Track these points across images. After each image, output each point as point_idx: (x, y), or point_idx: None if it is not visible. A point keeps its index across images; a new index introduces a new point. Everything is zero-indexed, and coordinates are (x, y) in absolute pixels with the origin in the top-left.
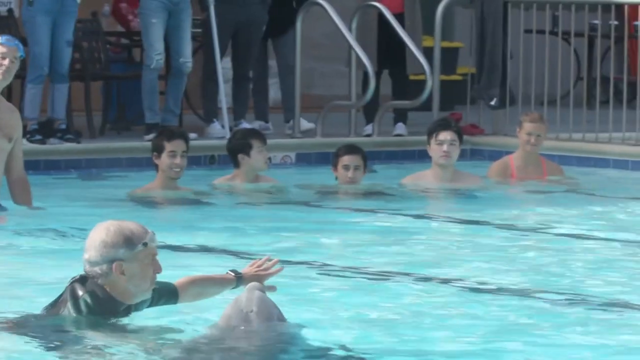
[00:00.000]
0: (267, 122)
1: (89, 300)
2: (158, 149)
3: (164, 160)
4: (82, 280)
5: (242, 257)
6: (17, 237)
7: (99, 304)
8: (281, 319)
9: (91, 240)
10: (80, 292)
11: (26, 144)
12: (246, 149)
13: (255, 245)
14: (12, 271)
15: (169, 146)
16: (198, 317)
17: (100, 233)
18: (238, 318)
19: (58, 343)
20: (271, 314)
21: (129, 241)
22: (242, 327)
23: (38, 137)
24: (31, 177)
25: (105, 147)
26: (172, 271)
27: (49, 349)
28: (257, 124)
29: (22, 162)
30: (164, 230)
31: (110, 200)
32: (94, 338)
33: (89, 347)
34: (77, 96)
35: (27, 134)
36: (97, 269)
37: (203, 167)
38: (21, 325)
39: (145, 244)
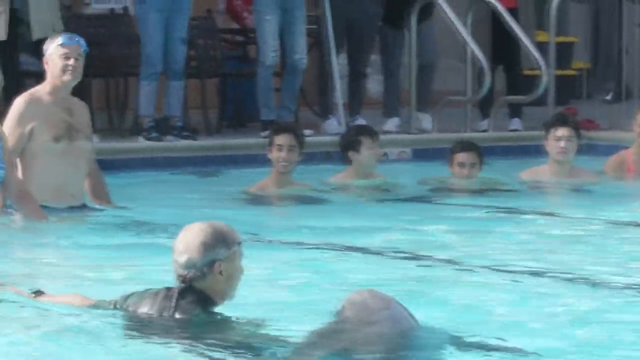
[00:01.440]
0: (398, 117)
1: (200, 314)
2: (269, 143)
3: (273, 154)
4: (182, 293)
5: (355, 253)
6: (121, 233)
7: (206, 309)
8: (405, 310)
9: (186, 242)
10: (189, 306)
11: (143, 141)
12: (356, 146)
13: (362, 240)
14: (125, 270)
15: (276, 140)
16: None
17: (197, 235)
18: (356, 307)
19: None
20: (387, 297)
21: (225, 241)
22: (363, 313)
23: (155, 134)
24: (148, 175)
25: (221, 144)
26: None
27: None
28: (390, 121)
29: (93, 156)
30: (272, 226)
31: (224, 197)
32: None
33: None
34: (193, 93)
35: (144, 131)
36: (195, 271)
37: (319, 163)
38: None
39: (239, 244)
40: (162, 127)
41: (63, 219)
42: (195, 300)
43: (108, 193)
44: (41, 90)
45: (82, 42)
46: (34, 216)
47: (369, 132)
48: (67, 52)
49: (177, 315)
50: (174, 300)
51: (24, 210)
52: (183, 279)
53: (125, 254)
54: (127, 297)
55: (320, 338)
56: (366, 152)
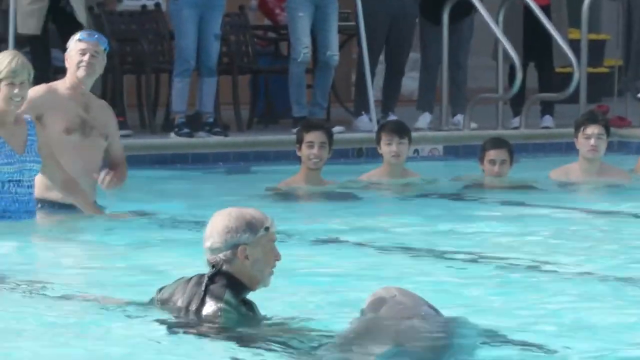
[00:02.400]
0: (430, 112)
1: (230, 298)
2: (299, 141)
3: (303, 151)
4: (212, 277)
5: (383, 250)
6: (148, 230)
7: (237, 293)
8: (431, 306)
9: (212, 227)
10: (219, 291)
11: (174, 137)
12: (379, 142)
13: (390, 237)
14: (154, 267)
15: (307, 137)
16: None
17: (222, 219)
18: (384, 303)
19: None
20: (415, 297)
21: (251, 226)
22: (393, 311)
23: (186, 130)
24: (179, 171)
25: (253, 141)
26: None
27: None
28: (422, 118)
29: (121, 153)
30: (301, 223)
31: (253, 194)
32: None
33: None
34: (225, 90)
35: (175, 127)
36: (220, 256)
37: (351, 160)
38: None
39: (267, 229)
40: (193, 124)
41: (90, 217)
42: (225, 284)
43: (120, 182)
44: (60, 83)
45: (103, 39)
46: (85, 209)
47: (387, 127)
48: (85, 47)
49: (207, 300)
50: (203, 285)
51: (73, 201)
52: (211, 263)
53: (153, 251)
54: (160, 289)
55: (366, 334)
56: (385, 148)
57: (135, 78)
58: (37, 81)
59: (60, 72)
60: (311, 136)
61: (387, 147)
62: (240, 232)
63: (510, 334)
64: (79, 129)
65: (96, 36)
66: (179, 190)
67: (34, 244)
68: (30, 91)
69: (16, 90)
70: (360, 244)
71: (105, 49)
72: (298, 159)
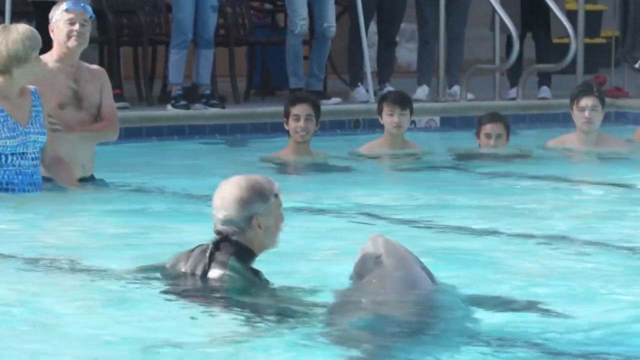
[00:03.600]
0: (429, 85)
1: (235, 263)
2: (286, 114)
3: (290, 124)
4: (216, 244)
5: (374, 220)
6: (146, 201)
7: (245, 261)
8: (423, 266)
9: (223, 198)
10: (224, 257)
11: (171, 110)
12: (380, 112)
13: (381, 208)
14: (152, 238)
15: (293, 110)
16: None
17: (233, 190)
18: (369, 268)
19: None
20: (402, 254)
21: (262, 195)
22: (377, 277)
23: (183, 102)
24: (176, 142)
25: (249, 112)
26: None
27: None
28: (420, 90)
29: (109, 110)
30: (292, 192)
31: (242, 165)
32: (245, 302)
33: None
34: (222, 62)
35: (172, 99)
36: (233, 227)
37: (348, 131)
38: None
39: (276, 195)
40: (190, 96)
41: (87, 190)
42: (231, 252)
43: (88, 129)
44: (47, 57)
45: (88, 8)
46: (68, 183)
47: (388, 98)
48: (72, 17)
49: (213, 267)
50: (208, 252)
51: (57, 176)
52: (221, 234)
53: (152, 223)
54: (169, 259)
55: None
56: (387, 119)
57: (132, 50)
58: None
59: None
60: (297, 109)
61: (389, 118)
62: (254, 202)
63: (502, 304)
64: (72, 102)
65: (82, 5)
66: (176, 163)
67: (31, 217)
68: None
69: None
70: (348, 214)
71: (90, 17)
72: (288, 133)
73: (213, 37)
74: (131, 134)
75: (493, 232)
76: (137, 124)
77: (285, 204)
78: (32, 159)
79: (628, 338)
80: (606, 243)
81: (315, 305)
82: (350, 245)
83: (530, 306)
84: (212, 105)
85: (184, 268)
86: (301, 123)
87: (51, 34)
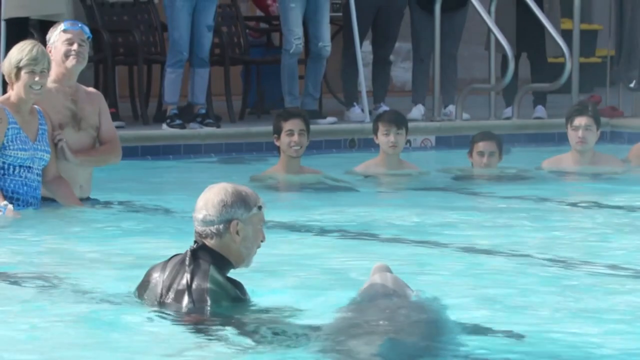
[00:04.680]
0: (424, 105)
1: (217, 275)
2: (277, 131)
3: (283, 140)
4: (194, 253)
5: (364, 240)
6: (142, 220)
7: (221, 269)
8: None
9: (206, 200)
10: (205, 266)
11: (166, 129)
12: (375, 132)
13: (375, 225)
14: (147, 256)
15: (286, 125)
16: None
17: (217, 193)
18: (378, 295)
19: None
20: (402, 285)
21: (245, 202)
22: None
23: (178, 121)
24: (172, 162)
25: (245, 132)
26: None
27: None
28: (415, 109)
29: (110, 134)
30: (281, 210)
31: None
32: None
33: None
34: (217, 81)
35: (167, 118)
36: (212, 228)
37: (343, 151)
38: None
39: (259, 208)
40: (185, 115)
41: (84, 208)
42: (210, 261)
43: (90, 154)
44: None
45: (86, 28)
46: (69, 201)
47: (383, 118)
48: (70, 37)
49: (194, 279)
50: (187, 261)
51: (58, 194)
52: (200, 236)
53: (145, 242)
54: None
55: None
56: (383, 138)
57: (127, 69)
58: None
59: None
60: (290, 124)
61: (385, 138)
62: (235, 207)
63: (498, 324)
64: (70, 123)
65: (80, 25)
66: (171, 182)
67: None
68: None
69: (37, 79)
70: (337, 233)
71: (88, 37)
72: (278, 149)
73: (208, 56)
74: (126, 153)
75: (488, 252)
76: (132, 143)
77: (276, 221)
78: (37, 174)
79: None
80: (601, 262)
81: (304, 326)
82: (343, 264)
83: (526, 325)
84: (208, 125)
85: (161, 279)
86: (295, 137)
87: (50, 55)
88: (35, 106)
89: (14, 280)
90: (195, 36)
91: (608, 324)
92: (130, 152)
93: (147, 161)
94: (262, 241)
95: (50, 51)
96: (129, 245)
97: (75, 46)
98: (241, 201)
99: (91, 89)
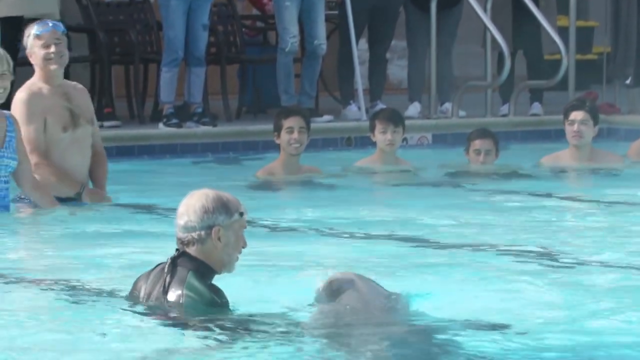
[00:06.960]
0: (420, 102)
1: (194, 281)
2: (277, 128)
3: (283, 137)
4: (174, 260)
5: (359, 238)
6: (139, 220)
7: (203, 277)
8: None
9: (188, 206)
10: (183, 273)
11: (162, 128)
12: (372, 129)
13: (372, 222)
14: (143, 256)
15: (286, 123)
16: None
17: (199, 199)
18: (342, 289)
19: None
20: (371, 284)
21: (227, 208)
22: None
23: (174, 120)
24: (168, 161)
25: (241, 130)
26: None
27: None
28: (412, 107)
29: (100, 142)
30: (286, 208)
31: (234, 182)
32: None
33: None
34: (213, 80)
35: (164, 117)
36: (193, 235)
37: (340, 148)
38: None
39: (241, 214)
40: (182, 114)
41: (81, 209)
42: (190, 267)
43: (105, 182)
44: (36, 82)
45: (59, 25)
46: (48, 204)
47: (381, 115)
48: (44, 40)
49: (172, 286)
50: (166, 268)
51: (39, 199)
52: (182, 242)
53: (141, 242)
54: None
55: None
56: (380, 136)
57: (123, 69)
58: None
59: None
60: (290, 121)
61: (382, 136)
62: (217, 213)
63: (494, 320)
64: (70, 122)
65: (51, 25)
66: (167, 181)
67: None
68: (22, 102)
69: None
70: (333, 231)
71: (63, 32)
72: (279, 147)
73: (204, 55)
74: (123, 152)
75: (484, 248)
76: (128, 143)
77: (276, 220)
78: (5, 182)
79: None
80: (600, 259)
81: (287, 324)
82: (341, 263)
83: (523, 321)
84: (204, 124)
85: (143, 288)
86: (295, 135)
87: (30, 59)
88: (5, 112)
89: (7, 282)
90: (190, 35)
91: (609, 320)
92: (127, 152)
93: (144, 160)
94: (243, 247)
95: (30, 56)
96: (126, 245)
97: (52, 48)
98: (223, 207)
99: (76, 84)
